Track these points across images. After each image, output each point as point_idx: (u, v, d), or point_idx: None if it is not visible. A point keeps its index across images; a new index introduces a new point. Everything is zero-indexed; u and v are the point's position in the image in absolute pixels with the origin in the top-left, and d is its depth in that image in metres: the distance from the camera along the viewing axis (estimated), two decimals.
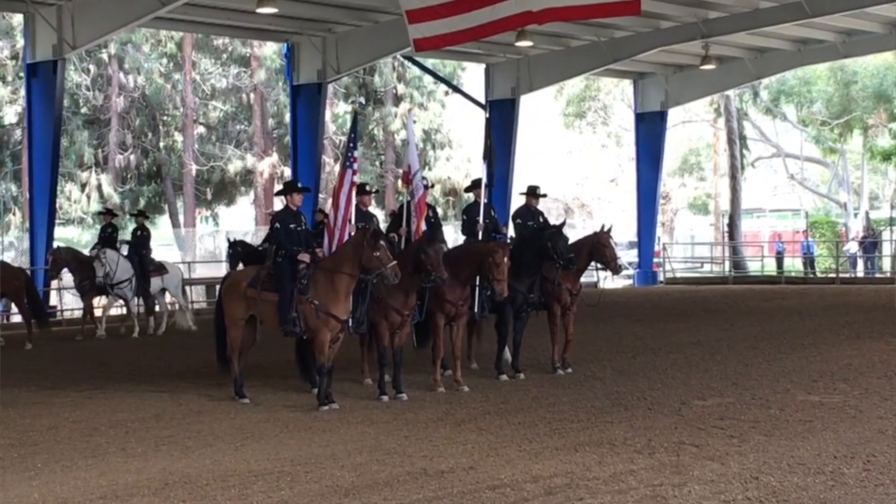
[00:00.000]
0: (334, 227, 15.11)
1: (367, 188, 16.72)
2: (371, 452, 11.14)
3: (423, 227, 16.14)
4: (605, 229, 16.95)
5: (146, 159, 52.87)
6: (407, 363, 15.42)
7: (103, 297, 24.96)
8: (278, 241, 14.41)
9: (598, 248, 16.80)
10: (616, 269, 17.54)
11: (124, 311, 25.64)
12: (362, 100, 52.90)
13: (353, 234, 14.60)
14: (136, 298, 24.92)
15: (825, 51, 38.45)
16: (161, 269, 25.15)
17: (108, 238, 24.74)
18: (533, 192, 17.30)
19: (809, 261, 46.00)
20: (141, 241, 24.97)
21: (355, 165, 15.49)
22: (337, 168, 22.25)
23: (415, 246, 14.95)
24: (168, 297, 25.61)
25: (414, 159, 16.81)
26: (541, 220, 17.15)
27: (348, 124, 16.70)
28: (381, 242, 13.76)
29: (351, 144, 15.64)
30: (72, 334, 24.52)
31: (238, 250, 25.64)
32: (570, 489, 9.53)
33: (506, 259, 15.04)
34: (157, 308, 25.40)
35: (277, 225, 14.49)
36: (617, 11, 19.17)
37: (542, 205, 17.61)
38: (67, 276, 25.47)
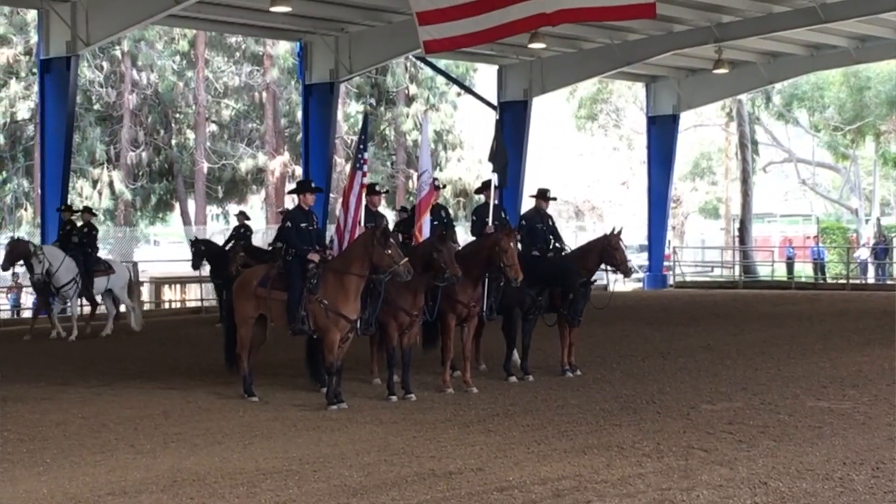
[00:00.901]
0: (344, 229, 15.13)
1: (377, 188, 16.72)
2: (379, 452, 11.14)
3: (426, 226, 16.13)
4: (616, 232, 16.94)
5: (158, 156, 52.95)
6: (416, 364, 15.42)
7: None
8: (289, 239, 14.42)
9: (608, 250, 16.77)
10: (627, 272, 17.52)
11: (103, 309, 24.48)
12: (373, 101, 53.03)
13: (363, 233, 14.60)
14: (79, 299, 23.74)
15: (838, 56, 38.37)
16: (108, 269, 23.98)
17: (66, 236, 23.57)
18: (543, 195, 17.28)
19: (820, 266, 45.91)
20: (87, 240, 23.65)
21: (365, 167, 15.52)
22: (348, 168, 22.28)
23: (425, 245, 14.94)
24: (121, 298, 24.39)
25: (425, 160, 16.83)
26: (551, 223, 17.13)
27: (359, 125, 16.68)
28: (392, 240, 13.77)
29: (361, 146, 15.67)
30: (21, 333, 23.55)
31: (201, 249, 25.68)
32: (579, 492, 9.53)
33: (512, 243, 15.05)
34: (102, 309, 24.29)
35: (289, 224, 14.50)
36: (632, 14, 19.09)
37: (552, 206, 17.60)
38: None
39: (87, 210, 24.84)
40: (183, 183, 53.88)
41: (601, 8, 18.05)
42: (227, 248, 25.41)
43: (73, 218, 24.14)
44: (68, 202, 27.11)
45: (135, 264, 27.59)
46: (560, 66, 37.19)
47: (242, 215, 26.58)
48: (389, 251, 13.62)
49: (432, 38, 19.15)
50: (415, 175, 21.42)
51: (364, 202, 15.39)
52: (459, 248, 15.96)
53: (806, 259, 48.72)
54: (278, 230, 25.20)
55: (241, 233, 25.78)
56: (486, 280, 15.70)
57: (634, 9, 18.01)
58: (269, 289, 14.42)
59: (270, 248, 24.93)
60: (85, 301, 24.71)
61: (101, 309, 24.47)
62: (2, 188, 49.78)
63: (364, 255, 13.78)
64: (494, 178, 16.89)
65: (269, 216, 53.51)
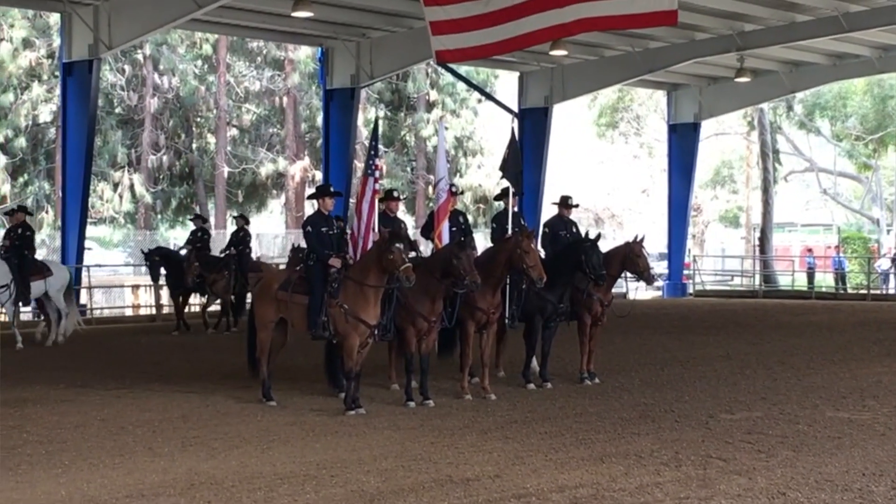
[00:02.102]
0: (357, 235, 15.14)
1: (395, 194, 16.72)
2: (397, 458, 11.13)
3: (444, 232, 16.11)
4: (638, 239, 16.91)
5: (179, 160, 53.15)
6: (434, 370, 15.42)
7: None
8: (310, 244, 14.44)
9: (630, 258, 16.75)
10: (650, 279, 17.45)
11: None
12: (386, 108, 53.08)
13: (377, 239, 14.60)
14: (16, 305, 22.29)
15: (861, 66, 38.27)
16: (44, 271, 22.29)
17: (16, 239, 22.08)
18: (565, 203, 17.28)
19: (841, 276, 45.76)
20: (22, 242, 21.94)
21: (377, 173, 15.51)
22: None
23: (444, 251, 14.91)
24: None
25: (441, 166, 16.82)
26: (574, 230, 17.11)
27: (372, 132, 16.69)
28: (397, 245, 13.69)
29: (373, 152, 15.67)
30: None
31: (156, 259, 25.39)
32: (596, 500, 9.51)
33: (533, 245, 15.02)
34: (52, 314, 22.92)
35: (309, 228, 14.51)
36: (654, 22, 18.82)
37: (572, 214, 17.57)
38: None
39: (22, 209, 23.14)
40: (203, 187, 54.06)
41: (622, 16, 17.87)
42: (181, 252, 25.41)
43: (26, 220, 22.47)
44: (89, 205, 27.08)
45: (78, 269, 27.31)
46: (581, 74, 37.18)
47: (199, 219, 26.21)
48: (392, 256, 13.59)
49: (445, 49, 19.06)
50: (434, 181, 21.46)
51: (377, 208, 15.38)
52: (478, 254, 15.92)
53: (827, 269, 48.59)
54: (232, 235, 25.11)
55: (199, 237, 25.26)
56: (508, 287, 15.69)
57: (656, 16, 17.82)
58: (290, 292, 14.43)
59: (224, 254, 24.95)
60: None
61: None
62: (23, 191, 50.00)
63: (378, 260, 13.78)
64: (511, 187, 16.86)
65: (289, 221, 53.62)
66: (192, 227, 26.41)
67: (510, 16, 18.18)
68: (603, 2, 17.56)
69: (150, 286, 30.16)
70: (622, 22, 18.68)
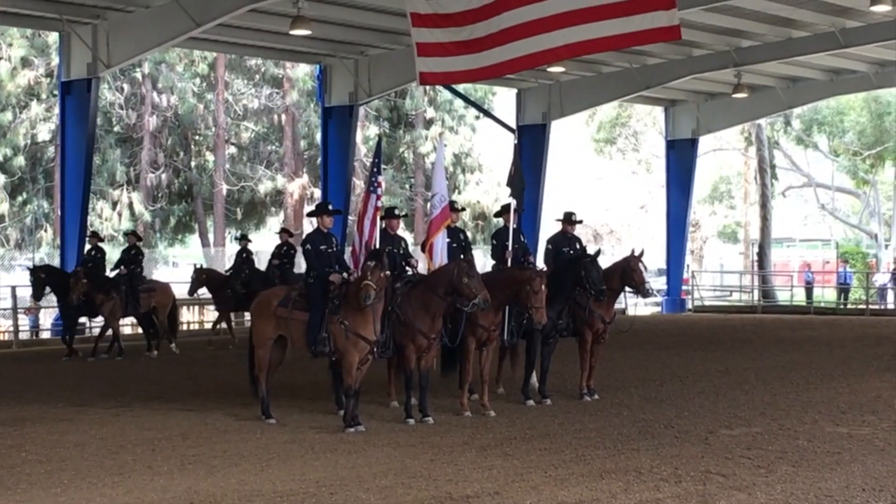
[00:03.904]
0: (359, 252, 15.14)
1: (396, 212, 16.69)
2: (396, 475, 11.13)
3: (436, 246, 16.08)
4: (637, 254, 16.93)
5: (177, 178, 53.14)
6: (433, 387, 15.41)
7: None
8: (309, 262, 14.45)
9: (627, 272, 16.79)
10: (645, 293, 17.43)
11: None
12: (388, 126, 53.12)
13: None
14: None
15: (858, 81, 38.35)
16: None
17: None
18: (569, 219, 17.29)
19: (844, 290, 45.76)
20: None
21: (379, 190, 15.55)
22: None
23: (449, 269, 14.81)
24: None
25: (437, 183, 16.81)
26: (577, 246, 17.11)
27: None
28: (371, 262, 13.71)
29: (375, 170, 15.70)
30: None
31: (41, 276, 24.91)
32: None
33: (543, 287, 15.01)
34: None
35: (308, 246, 14.52)
36: (656, 38, 18.50)
37: (575, 230, 17.56)
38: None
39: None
40: (202, 205, 54.03)
41: (621, 35, 17.57)
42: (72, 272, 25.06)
43: None
44: (88, 223, 26.95)
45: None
46: (579, 90, 37.25)
47: (94, 236, 25.68)
48: (469, 280, 13.90)
49: (429, 71, 18.84)
50: (430, 197, 21.54)
51: (378, 225, 15.38)
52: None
53: (826, 284, 48.59)
54: (123, 252, 24.76)
55: (93, 256, 24.38)
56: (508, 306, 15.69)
57: (658, 32, 17.52)
58: (290, 309, 14.44)
59: (114, 272, 24.59)
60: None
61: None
62: (22, 209, 49.99)
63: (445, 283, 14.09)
64: (513, 203, 16.88)
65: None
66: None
67: (495, 42, 17.86)
68: (596, 24, 17.29)
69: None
70: (622, 41, 18.35)
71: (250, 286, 24.54)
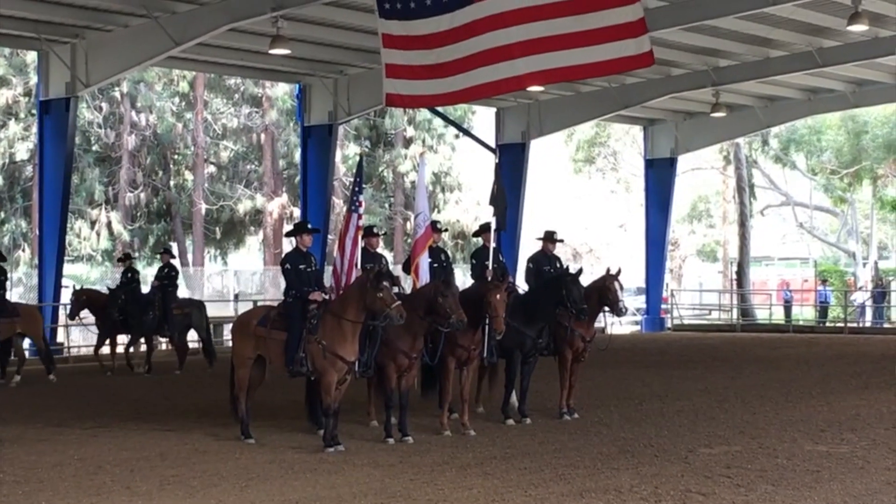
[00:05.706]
0: (340, 271, 15.13)
1: (375, 230, 16.73)
2: (376, 495, 11.10)
3: (422, 266, 16.08)
4: (614, 272, 16.93)
5: (156, 197, 53.08)
6: (413, 406, 15.39)
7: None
8: (289, 281, 14.44)
9: (602, 290, 16.80)
10: (618, 312, 17.35)
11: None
12: (369, 145, 53.15)
13: (359, 276, 14.61)
14: None
15: (835, 100, 38.52)
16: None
17: None
18: (550, 238, 17.32)
19: (823, 309, 45.92)
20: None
21: (361, 209, 15.55)
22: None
23: (428, 289, 14.85)
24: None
25: (421, 202, 16.81)
26: (558, 265, 17.13)
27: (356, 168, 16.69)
28: (385, 283, 13.72)
29: (356, 189, 15.70)
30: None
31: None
32: None
33: (499, 296, 15.02)
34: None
35: (288, 266, 14.51)
36: (627, 66, 18.31)
37: (556, 249, 17.56)
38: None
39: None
40: (181, 224, 53.96)
41: (589, 64, 17.38)
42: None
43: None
44: (66, 243, 26.91)
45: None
46: (558, 109, 37.34)
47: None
48: (381, 294, 13.60)
49: (396, 93, 18.76)
50: (412, 217, 21.48)
51: (360, 244, 15.39)
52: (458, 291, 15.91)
53: (805, 302, 48.72)
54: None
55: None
56: (487, 324, 15.68)
57: (630, 60, 17.31)
58: (268, 328, 14.42)
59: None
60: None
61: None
62: (0, 229, 49.80)
63: (360, 298, 13.77)
64: (494, 222, 16.88)
65: (267, 258, 53.51)
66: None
67: (461, 67, 17.72)
68: (563, 52, 17.15)
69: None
70: (589, 70, 18.09)
71: (127, 309, 24.18)
